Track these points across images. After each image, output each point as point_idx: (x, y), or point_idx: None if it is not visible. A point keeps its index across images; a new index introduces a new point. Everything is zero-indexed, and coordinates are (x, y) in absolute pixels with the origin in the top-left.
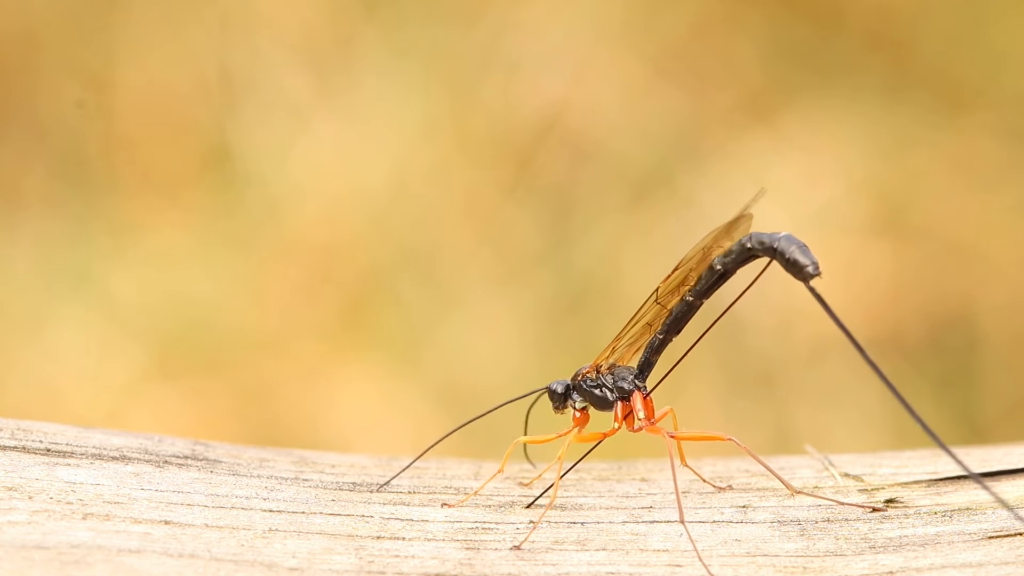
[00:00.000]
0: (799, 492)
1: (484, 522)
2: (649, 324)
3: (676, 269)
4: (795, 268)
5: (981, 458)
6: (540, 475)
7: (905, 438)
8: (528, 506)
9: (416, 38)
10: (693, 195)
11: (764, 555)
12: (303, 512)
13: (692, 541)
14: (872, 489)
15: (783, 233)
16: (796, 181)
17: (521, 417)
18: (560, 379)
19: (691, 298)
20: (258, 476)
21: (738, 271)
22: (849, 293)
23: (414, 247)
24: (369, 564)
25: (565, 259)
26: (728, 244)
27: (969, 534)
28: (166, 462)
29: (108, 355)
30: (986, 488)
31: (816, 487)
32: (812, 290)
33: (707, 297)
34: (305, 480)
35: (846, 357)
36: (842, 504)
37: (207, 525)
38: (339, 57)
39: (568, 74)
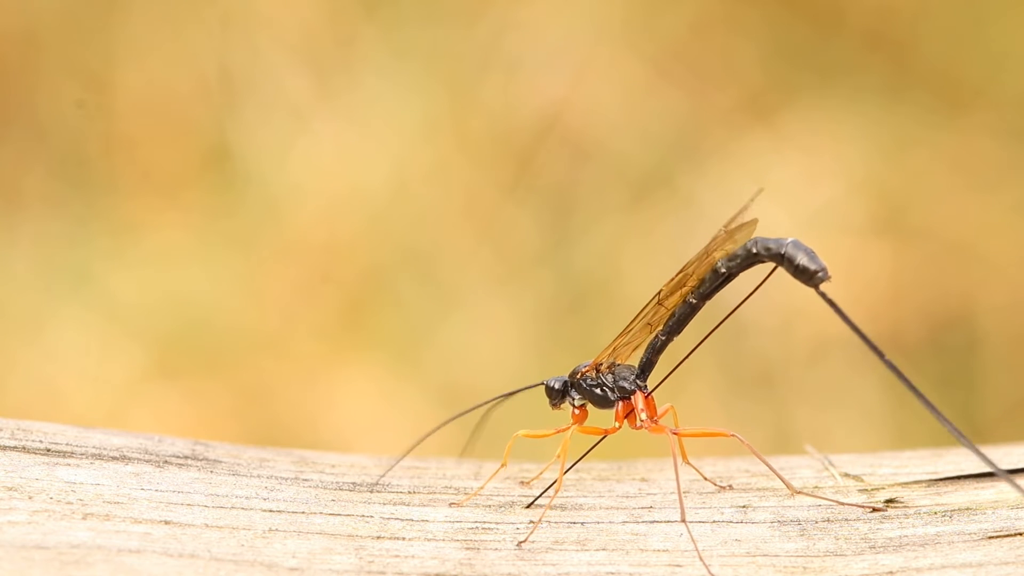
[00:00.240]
0: (799, 492)
1: (484, 522)
2: (649, 324)
3: (679, 273)
4: (805, 275)
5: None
6: (540, 474)
7: (905, 438)
8: (528, 506)
9: (416, 38)
10: (693, 195)
11: (764, 555)
12: (303, 512)
13: (693, 540)
14: (872, 489)
15: (790, 239)
16: (796, 181)
17: (520, 417)
18: (557, 376)
19: (694, 300)
20: (258, 476)
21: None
22: (849, 293)
23: (414, 247)
24: (369, 564)
25: (565, 259)
26: (731, 247)
27: (969, 534)
28: (166, 462)
29: (108, 355)
30: (1015, 485)
31: (816, 487)
32: (823, 295)
33: (709, 299)
34: (305, 480)
35: (846, 357)
36: (842, 504)
37: (207, 525)
38: (339, 57)
39: (568, 74)
